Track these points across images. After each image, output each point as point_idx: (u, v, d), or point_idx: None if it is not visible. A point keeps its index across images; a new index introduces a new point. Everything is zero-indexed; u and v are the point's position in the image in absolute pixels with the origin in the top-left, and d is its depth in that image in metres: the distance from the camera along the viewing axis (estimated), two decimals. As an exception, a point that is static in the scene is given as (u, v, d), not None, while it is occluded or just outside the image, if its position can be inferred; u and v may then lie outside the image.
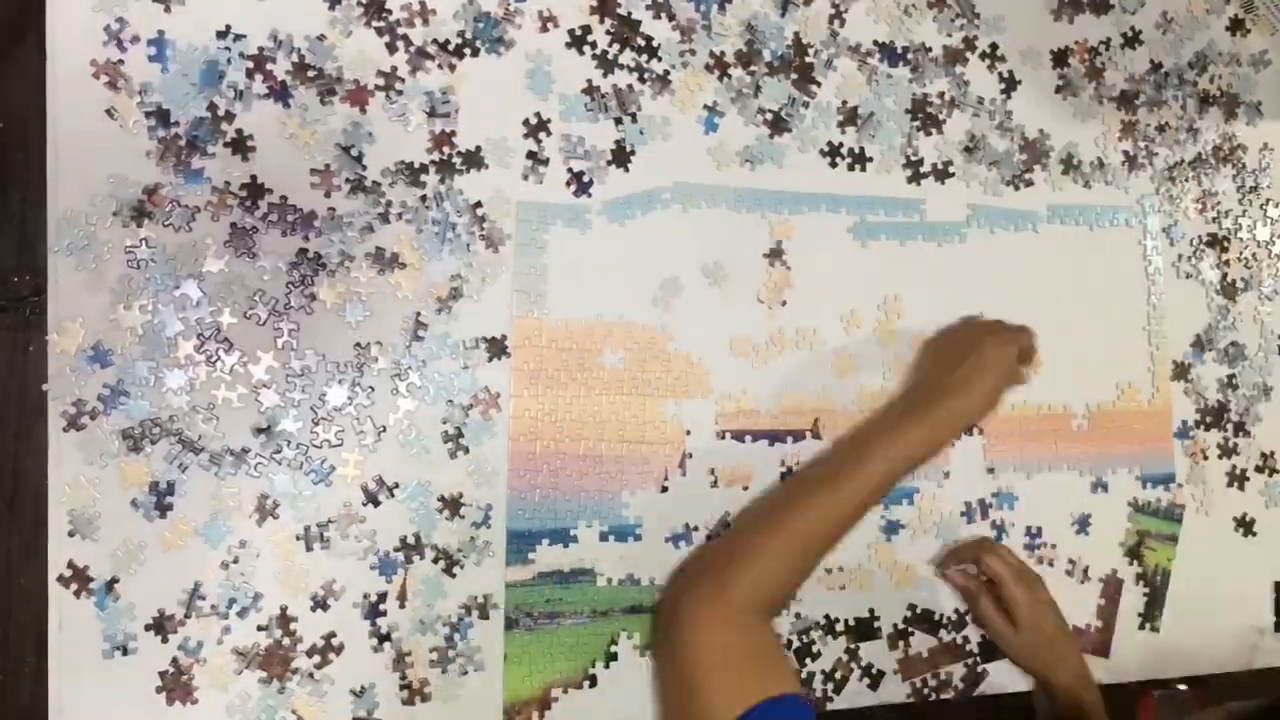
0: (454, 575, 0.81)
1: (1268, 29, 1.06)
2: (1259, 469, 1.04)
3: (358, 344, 0.80)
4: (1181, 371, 1.02)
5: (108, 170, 0.75)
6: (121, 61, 0.76)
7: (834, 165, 0.92)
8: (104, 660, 0.74)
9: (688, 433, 0.87)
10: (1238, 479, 1.03)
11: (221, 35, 0.78)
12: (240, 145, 0.78)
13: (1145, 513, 1.00)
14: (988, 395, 0.85)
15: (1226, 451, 1.03)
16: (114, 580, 0.74)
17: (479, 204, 0.83)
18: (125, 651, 0.75)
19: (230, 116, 0.78)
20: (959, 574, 0.92)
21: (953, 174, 0.95)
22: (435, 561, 0.81)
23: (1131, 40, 1.02)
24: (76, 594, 0.74)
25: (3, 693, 0.73)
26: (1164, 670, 0.99)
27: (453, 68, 0.83)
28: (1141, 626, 0.99)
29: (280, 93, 0.79)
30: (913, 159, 0.94)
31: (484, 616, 0.82)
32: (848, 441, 0.88)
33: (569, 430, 0.84)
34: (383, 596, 0.80)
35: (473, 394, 0.82)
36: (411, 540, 0.80)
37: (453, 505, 0.81)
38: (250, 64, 0.79)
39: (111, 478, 0.75)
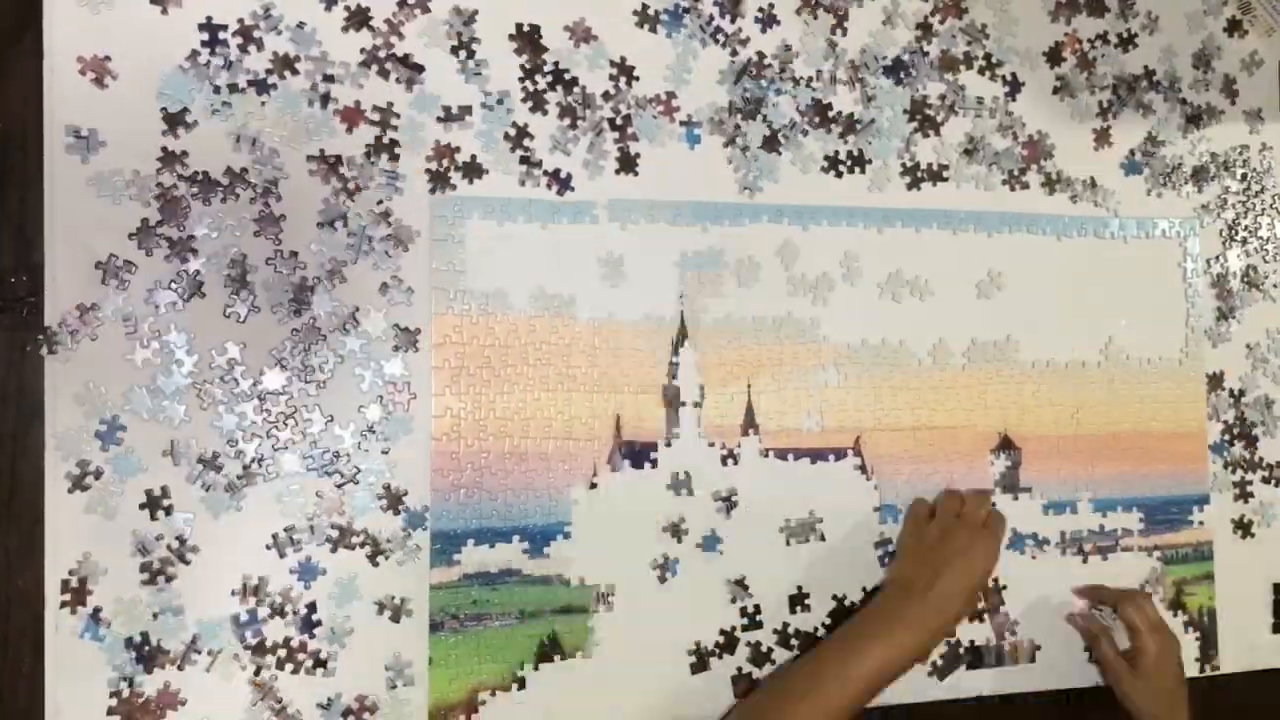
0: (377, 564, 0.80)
1: (1265, 30, 1.06)
2: (1265, 480, 1.02)
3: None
4: (1216, 383, 1.01)
5: (102, 169, 0.75)
6: (109, 57, 0.76)
7: (839, 176, 0.92)
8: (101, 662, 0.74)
9: (617, 430, 0.85)
10: (1245, 495, 1.02)
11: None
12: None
13: (1176, 562, 0.99)
14: (972, 601, 0.87)
15: (1252, 465, 1.02)
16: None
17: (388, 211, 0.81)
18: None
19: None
20: (1090, 618, 0.94)
21: (947, 179, 0.95)
22: (362, 546, 0.79)
23: (1127, 42, 1.02)
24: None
25: (0, 693, 0.73)
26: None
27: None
28: (1202, 670, 0.98)
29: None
30: (909, 165, 0.94)
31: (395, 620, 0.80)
32: (831, 647, 0.82)
33: (492, 428, 0.83)
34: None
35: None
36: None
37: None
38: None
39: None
